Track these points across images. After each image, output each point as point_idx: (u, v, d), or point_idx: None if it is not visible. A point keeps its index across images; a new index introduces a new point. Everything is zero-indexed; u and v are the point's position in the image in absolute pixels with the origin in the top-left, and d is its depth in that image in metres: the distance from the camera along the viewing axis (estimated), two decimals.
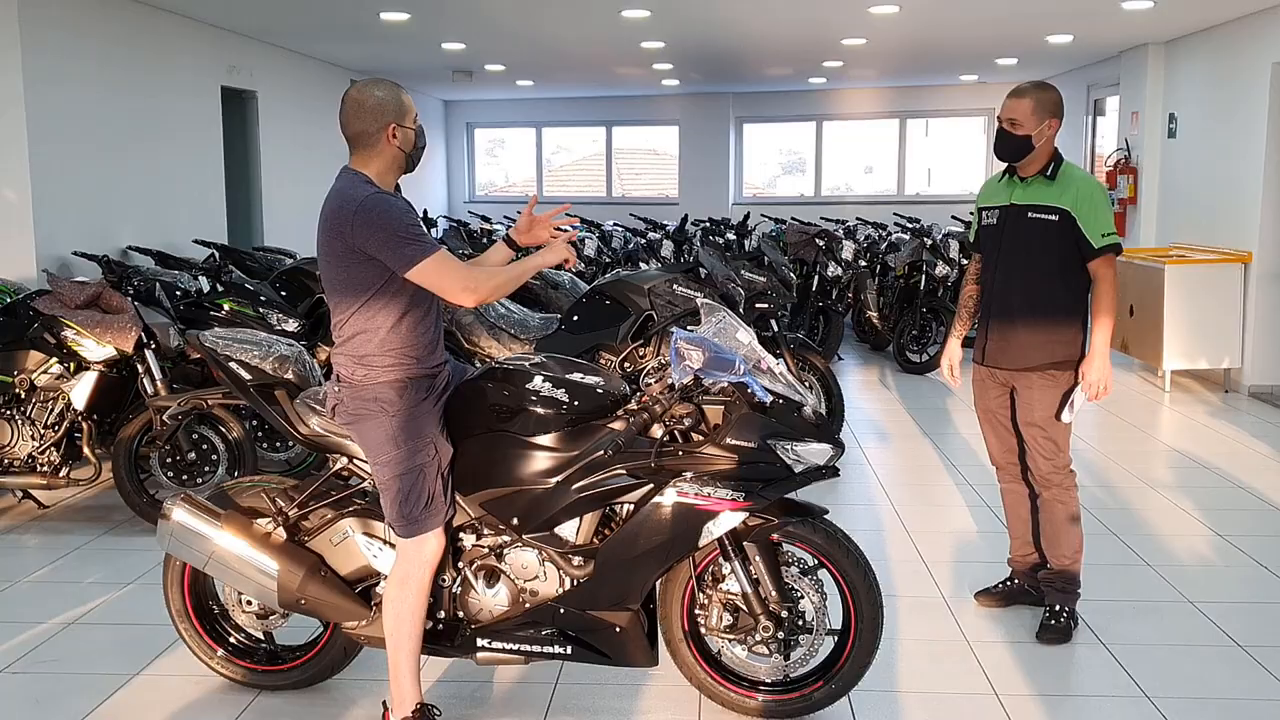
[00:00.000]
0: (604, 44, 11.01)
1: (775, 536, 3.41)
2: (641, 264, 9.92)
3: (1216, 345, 9.03)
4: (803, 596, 3.44)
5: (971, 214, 4.65)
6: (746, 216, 11.50)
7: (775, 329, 6.79)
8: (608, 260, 10.67)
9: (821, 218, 12.62)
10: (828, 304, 10.01)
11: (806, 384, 6.77)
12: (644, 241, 11.66)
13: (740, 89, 15.67)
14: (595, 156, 17.26)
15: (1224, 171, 9.42)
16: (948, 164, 16.06)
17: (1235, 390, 9.11)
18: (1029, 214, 4.16)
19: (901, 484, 6.40)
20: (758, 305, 6.66)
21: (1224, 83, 9.46)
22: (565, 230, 3.52)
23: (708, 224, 11.61)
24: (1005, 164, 4.28)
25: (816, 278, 10.03)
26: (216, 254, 7.19)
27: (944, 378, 4.57)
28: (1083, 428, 7.78)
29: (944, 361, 4.58)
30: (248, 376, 3.50)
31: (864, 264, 10.61)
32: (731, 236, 11.29)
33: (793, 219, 11.49)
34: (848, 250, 10.29)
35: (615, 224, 12.84)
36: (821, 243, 10.12)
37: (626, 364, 5.99)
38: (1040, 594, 4.43)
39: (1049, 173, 4.15)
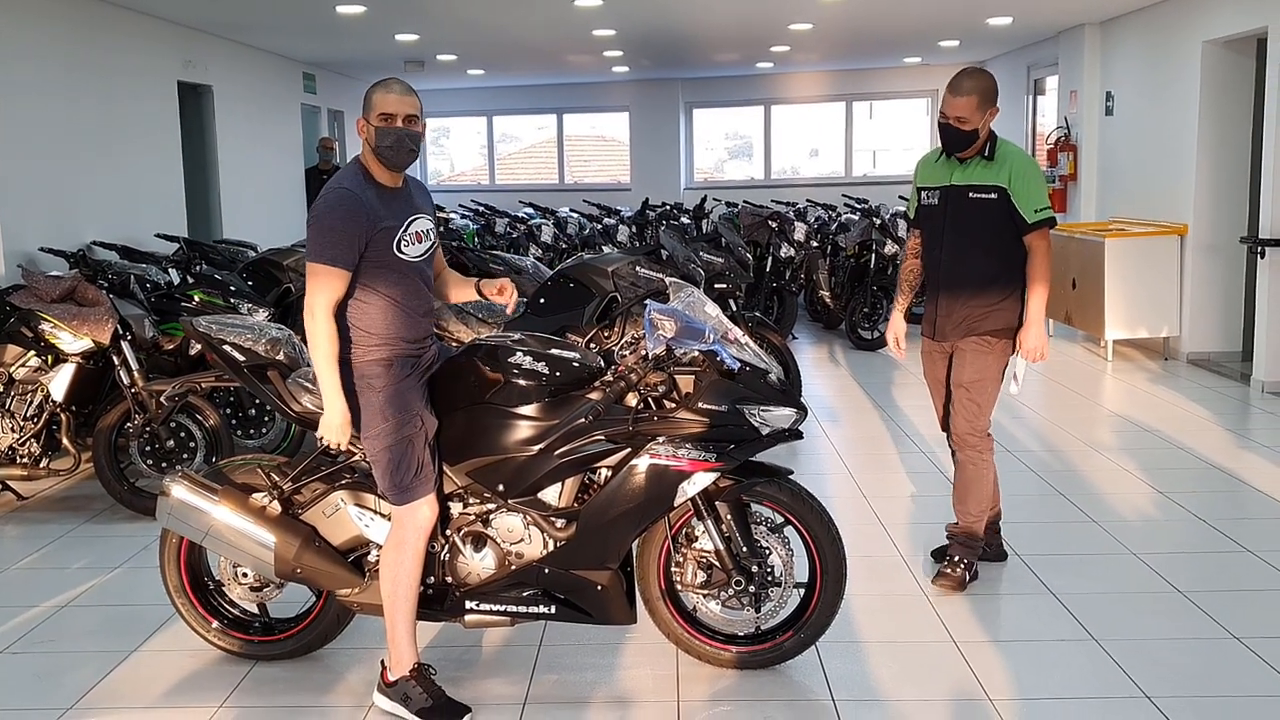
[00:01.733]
0: (556, 32, 11.16)
1: (745, 496, 3.63)
2: (600, 248, 10.09)
3: (1155, 315, 9.38)
4: (771, 552, 3.66)
5: (905, 196, 4.86)
6: (703, 200, 11.73)
7: (734, 308, 7.01)
8: (564, 246, 10.84)
9: (773, 200, 12.87)
10: (781, 284, 10.26)
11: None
12: (600, 227, 11.84)
13: (689, 74, 15.88)
14: (543, 145, 17.39)
15: (1159, 147, 9.76)
16: (893, 145, 16.37)
17: (1174, 357, 9.47)
18: (970, 194, 4.37)
19: (857, 453, 6.65)
20: (716, 285, 6.88)
21: (1157, 61, 9.80)
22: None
23: (669, 208, 11.81)
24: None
25: (770, 259, 10.27)
26: (184, 247, 7.28)
27: (890, 350, 4.80)
28: (1030, 397, 8.08)
29: (889, 334, 4.77)
30: (242, 358, 3.66)
31: (815, 245, 10.87)
32: (687, 220, 11.50)
33: (745, 202, 11.72)
34: (799, 232, 10.54)
35: (570, 210, 13.01)
36: (774, 225, 10.36)
37: (592, 345, 6.16)
38: (994, 551, 4.71)
39: (987, 153, 4.37)
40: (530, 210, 12.88)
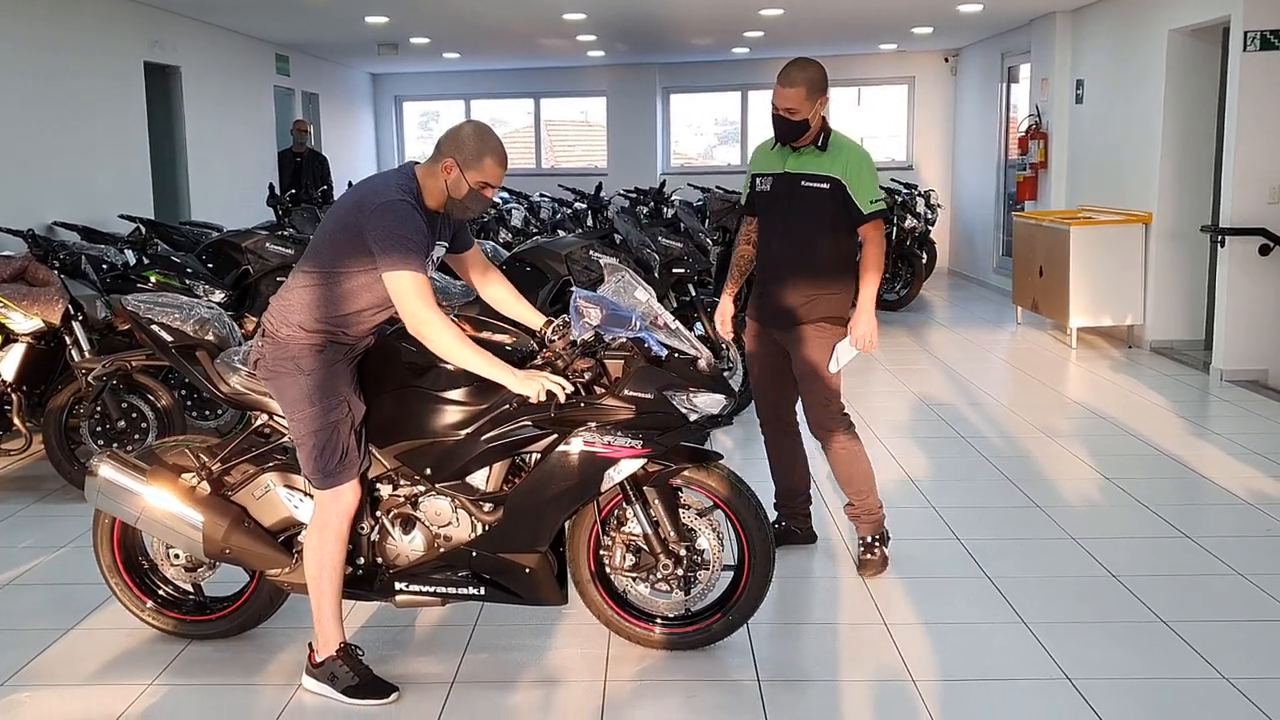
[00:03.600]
0: (527, 15, 11.15)
1: (673, 481, 3.66)
2: (563, 233, 10.10)
3: (1120, 303, 9.44)
4: (699, 535, 3.70)
5: (742, 185, 4.88)
6: (663, 184, 11.73)
7: (693, 293, 7.03)
8: (535, 230, 10.85)
9: None
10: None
11: (725, 346, 7.02)
12: (570, 211, 11.85)
13: (666, 60, 15.86)
14: (529, 129, 17.36)
15: (1126, 135, 9.80)
16: (880, 132, 16.32)
17: (1138, 345, 9.53)
18: (802, 182, 4.42)
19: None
20: (674, 270, 6.90)
21: (1125, 50, 9.84)
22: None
23: (635, 194, 11.81)
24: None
25: None
26: (142, 228, 7.28)
27: (721, 333, 4.84)
28: (990, 384, 8.14)
29: (717, 318, 4.82)
30: (169, 338, 3.67)
31: None
32: (646, 207, 11.50)
33: (717, 187, 11.73)
34: None
35: (543, 195, 13.02)
36: None
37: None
38: (804, 534, 4.82)
39: (820, 144, 4.42)
40: (505, 194, 12.87)
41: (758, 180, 4.60)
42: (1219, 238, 8.18)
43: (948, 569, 4.62)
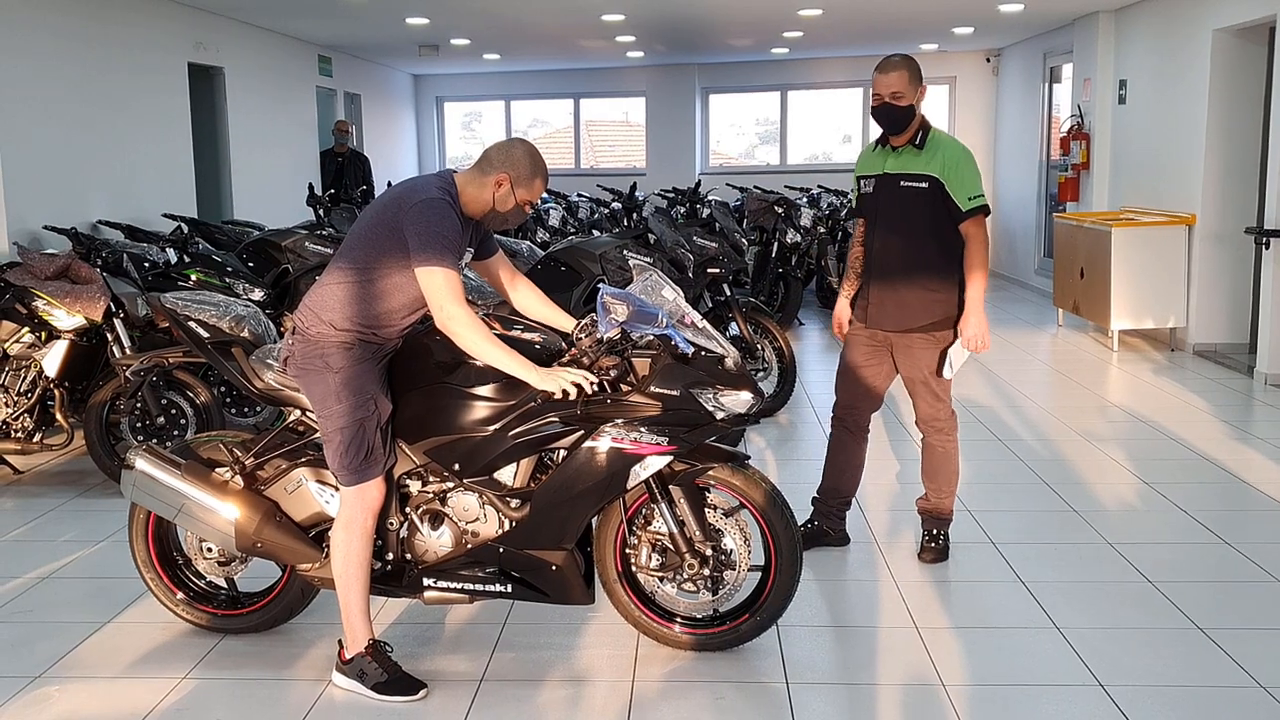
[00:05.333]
0: (566, 16, 11.18)
1: (699, 480, 3.65)
2: (599, 233, 10.13)
3: (1162, 305, 9.32)
4: (725, 535, 3.69)
5: (849, 186, 4.94)
6: (698, 184, 11.72)
7: (728, 293, 7.02)
8: (573, 230, 10.88)
9: (785, 186, 12.84)
10: (787, 270, 10.25)
11: (759, 347, 7.02)
12: (607, 211, 11.87)
13: (705, 60, 15.85)
14: (569, 129, 17.41)
15: (1170, 136, 9.68)
16: None
17: (1180, 349, 9.40)
18: (901, 182, 4.44)
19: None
20: (709, 270, 6.89)
21: (1169, 49, 9.71)
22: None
23: (671, 194, 11.81)
24: (881, 133, 4.54)
25: (776, 244, 10.26)
26: (184, 226, 7.37)
27: (837, 336, 4.86)
28: (1028, 386, 8.06)
29: (834, 320, 4.85)
30: (205, 334, 3.72)
31: (824, 231, 10.85)
32: (682, 207, 11.50)
33: (755, 187, 11.70)
34: (806, 217, 10.52)
35: (580, 195, 13.05)
36: (781, 210, 10.35)
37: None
38: (838, 537, 4.85)
39: (918, 141, 4.41)
40: (544, 194, 12.92)
41: (862, 182, 4.64)
42: (1264, 240, 8.05)
43: (981, 573, 4.58)
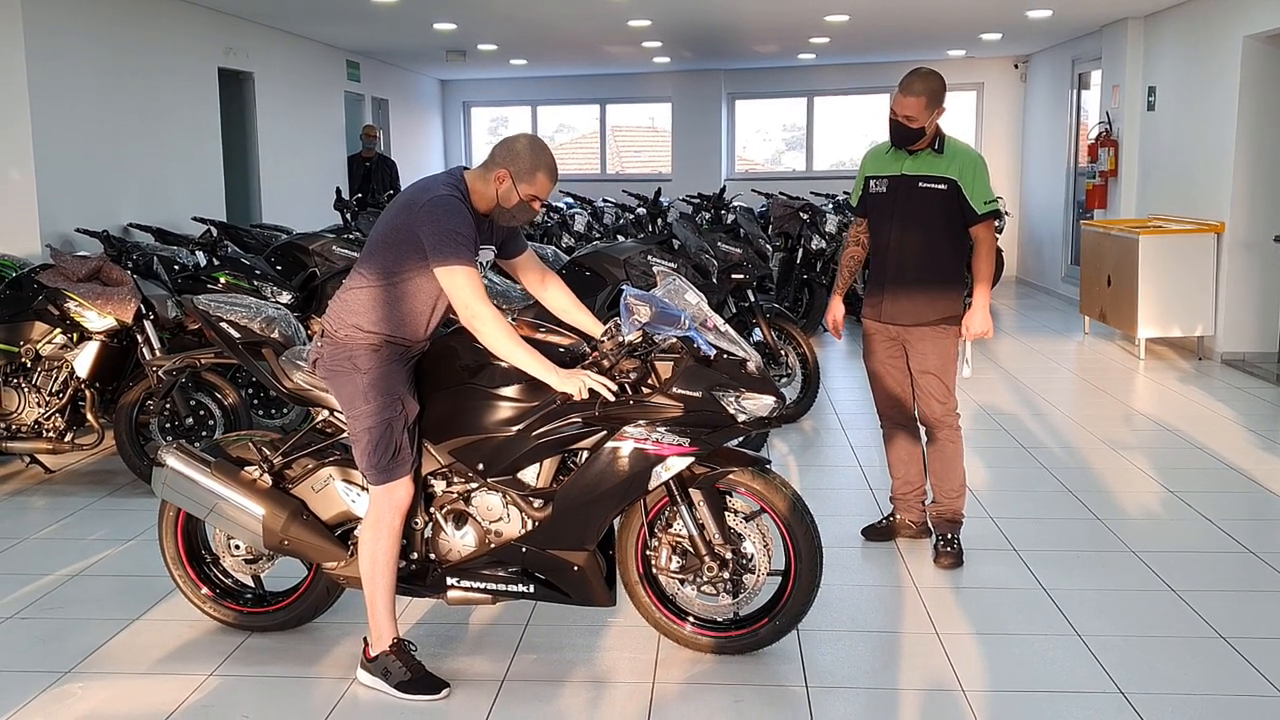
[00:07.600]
0: (592, 22, 11.23)
1: (720, 484, 3.67)
2: (623, 238, 10.15)
3: (1189, 313, 9.27)
4: (745, 539, 3.71)
5: (845, 190, 5.05)
6: (723, 190, 11.73)
7: (752, 299, 7.03)
8: (598, 235, 10.91)
9: (811, 192, 12.84)
10: (811, 276, 10.25)
11: (783, 353, 7.03)
12: (632, 217, 11.90)
13: (731, 65, 15.87)
14: (595, 134, 17.45)
15: (1199, 143, 9.62)
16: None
17: (1208, 357, 9.34)
18: (919, 184, 4.61)
19: (870, 445, 6.65)
20: (733, 276, 6.90)
21: (1199, 56, 9.66)
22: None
23: (696, 200, 11.83)
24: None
25: (801, 250, 10.27)
26: (213, 230, 7.46)
27: (831, 333, 5.03)
28: (1054, 394, 8.04)
29: (828, 319, 4.99)
30: (237, 335, 3.77)
31: None
32: (707, 213, 11.50)
33: (780, 193, 11.70)
34: (831, 223, 10.51)
35: (605, 200, 13.09)
36: (805, 216, 10.35)
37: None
38: (918, 527, 4.95)
39: (936, 147, 4.59)
40: (570, 199, 12.97)
41: (872, 182, 4.76)
42: None
43: (1003, 579, 4.58)
